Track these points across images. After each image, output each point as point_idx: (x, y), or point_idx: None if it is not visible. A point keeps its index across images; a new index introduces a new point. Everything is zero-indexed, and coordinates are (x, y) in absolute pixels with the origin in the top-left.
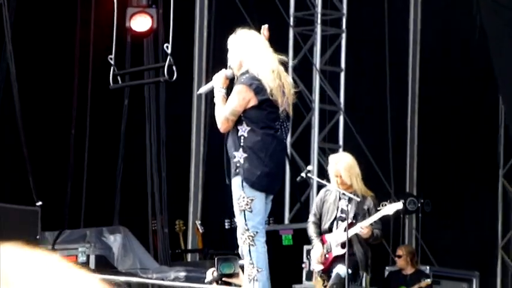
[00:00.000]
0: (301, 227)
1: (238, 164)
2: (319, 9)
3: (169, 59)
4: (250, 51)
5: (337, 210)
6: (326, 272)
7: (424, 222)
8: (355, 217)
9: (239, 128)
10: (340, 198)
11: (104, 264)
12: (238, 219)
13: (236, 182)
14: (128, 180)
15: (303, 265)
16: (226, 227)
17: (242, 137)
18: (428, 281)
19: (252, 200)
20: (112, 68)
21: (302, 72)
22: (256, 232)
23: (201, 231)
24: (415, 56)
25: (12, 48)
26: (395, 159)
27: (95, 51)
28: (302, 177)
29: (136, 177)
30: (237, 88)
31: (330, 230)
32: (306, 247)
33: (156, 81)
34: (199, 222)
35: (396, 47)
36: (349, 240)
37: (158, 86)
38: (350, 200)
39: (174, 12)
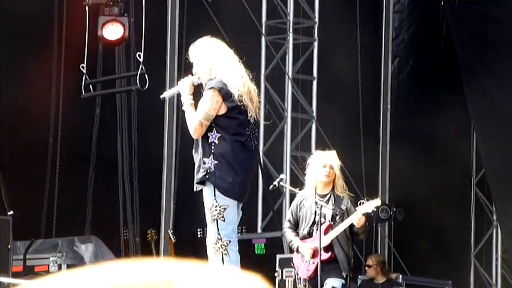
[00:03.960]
0: (274, 236)
1: (209, 170)
2: (291, 17)
3: (142, 68)
4: (218, 58)
5: (315, 214)
6: (311, 280)
7: (396, 230)
8: (333, 218)
9: (209, 134)
10: (316, 202)
11: None
12: (210, 229)
13: (208, 191)
14: (100, 190)
15: (276, 274)
16: (199, 236)
17: (213, 144)
18: None
19: (224, 208)
20: (84, 76)
21: (274, 80)
22: (229, 241)
23: (173, 240)
24: (387, 63)
25: None
26: (368, 167)
27: (67, 59)
28: (275, 185)
29: (108, 187)
30: (208, 92)
31: (309, 234)
32: (278, 256)
33: (128, 90)
34: (172, 231)
35: (368, 55)
36: (330, 243)
37: (130, 94)
38: (327, 202)
39: (145, 21)
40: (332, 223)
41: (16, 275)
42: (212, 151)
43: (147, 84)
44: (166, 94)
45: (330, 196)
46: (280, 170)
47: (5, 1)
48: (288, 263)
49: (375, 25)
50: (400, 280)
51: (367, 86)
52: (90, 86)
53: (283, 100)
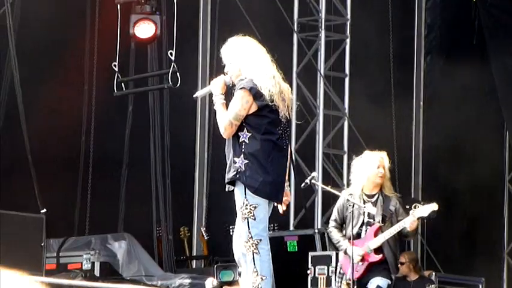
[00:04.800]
0: (307, 233)
1: (239, 170)
2: (323, 15)
3: (173, 66)
4: (249, 57)
5: (364, 214)
6: (359, 280)
7: (430, 228)
8: (382, 220)
9: (240, 134)
10: (365, 202)
11: (109, 271)
12: (241, 227)
13: (238, 190)
14: (133, 187)
15: (308, 271)
16: (231, 233)
17: (243, 143)
18: (433, 287)
19: (255, 207)
20: (116, 74)
21: (306, 77)
22: (260, 240)
23: (205, 237)
24: (419, 60)
25: (17, 55)
26: (401, 164)
27: (99, 58)
28: (307, 183)
29: (141, 184)
30: (239, 93)
31: (358, 235)
32: (311, 253)
33: (160, 88)
34: (204, 228)
35: (401, 51)
36: (380, 245)
37: (162, 92)
38: (375, 202)
39: (177, 19)
40: (382, 224)
41: (49, 272)
42: (243, 150)
43: (179, 82)
44: (199, 93)
45: (378, 196)
46: (312, 168)
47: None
48: (320, 260)
49: (407, 22)
50: (433, 277)
51: (399, 82)
52: (122, 84)
53: (315, 97)
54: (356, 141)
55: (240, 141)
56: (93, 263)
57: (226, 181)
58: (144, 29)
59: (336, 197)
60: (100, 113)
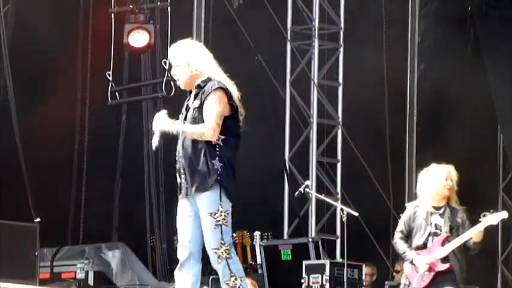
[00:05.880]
0: (300, 242)
1: (219, 173)
2: (316, 23)
3: (167, 75)
4: (209, 60)
5: (431, 225)
6: None
7: None
8: (450, 231)
9: None
10: (432, 214)
11: (103, 281)
12: (212, 235)
13: (213, 194)
14: (126, 196)
15: (302, 280)
16: None
17: (218, 146)
18: None
19: (228, 213)
20: (110, 84)
21: (300, 86)
22: (230, 245)
23: None
24: (413, 68)
25: (10, 64)
26: (394, 172)
27: (93, 66)
28: (300, 191)
29: (134, 193)
30: (217, 93)
31: (424, 245)
32: (305, 262)
33: (154, 97)
34: None
35: (394, 60)
36: (446, 255)
37: (156, 101)
38: (443, 214)
39: (171, 28)
40: (449, 235)
41: (43, 282)
42: (217, 153)
43: (173, 91)
44: (155, 141)
45: (446, 208)
46: (305, 176)
47: (31, 8)
48: (314, 268)
49: (401, 30)
50: None
51: (393, 90)
52: (116, 93)
53: (309, 106)
54: (350, 149)
55: (213, 144)
56: (87, 272)
57: (201, 186)
58: (138, 38)
59: (329, 206)
60: (93, 122)
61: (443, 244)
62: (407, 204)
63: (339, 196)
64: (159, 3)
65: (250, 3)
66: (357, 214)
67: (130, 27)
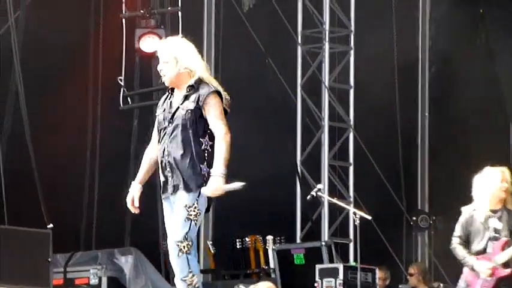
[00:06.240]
0: (314, 246)
1: (204, 178)
2: (327, 26)
3: None
4: (198, 59)
5: (489, 229)
6: None
7: (437, 239)
8: (510, 234)
9: (202, 140)
10: (489, 217)
11: (116, 286)
12: (181, 226)
13: (192, 194)
14: (139, 201)
15: (316, 284)
16: (238, 246)
17: (206, 151)
18: None
19: (200, 213)
20: (122, 89)
21: (311, 90)
22: (193, 243)
23: (212, 251)
24: (424, 71)
25: (21, 70)
26: (406, 175)
27: (104, 72)
28: (313, 195)
29: (147, 198)
30: (215, 96)
31: (484, 250)
32: (318, 266)
33: None
34: (211, 242)
35: (405, 63)
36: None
37: None
38: (500, 217)
39: (182, 32)
40: (509, 239)
41: None
42: (206, 158)
43: None
44: (238, 185)
45: (503, 211)
46: (318, 180)
47: (42, 13)
48: (327, 272)
49: (412, 33)
50: None
51: (404, 93)
52: (128, 98)
53: (320, 109)
54: (362, 152)
55: (203, 148)
56: (100, 278)
57: (186, 188)
58: (149, 43)
59: (342, 209)
60: (105, 127)
61: (503, 249)
62: (462, 208)
63: (352, 199)
64: (169, 8)
65: (260, 7)
66: (369, 218)
67: (141, 32)
